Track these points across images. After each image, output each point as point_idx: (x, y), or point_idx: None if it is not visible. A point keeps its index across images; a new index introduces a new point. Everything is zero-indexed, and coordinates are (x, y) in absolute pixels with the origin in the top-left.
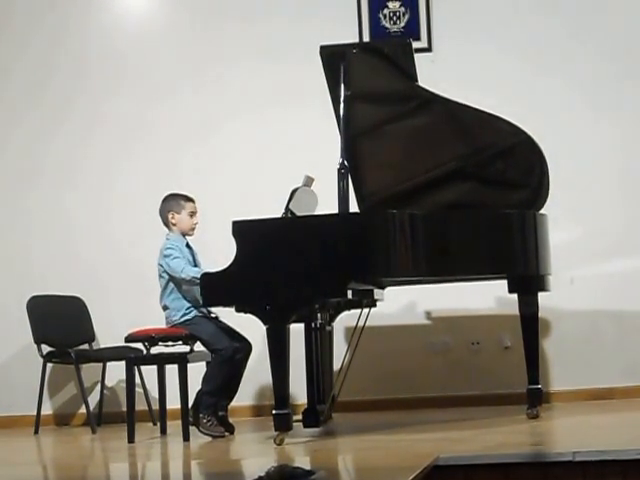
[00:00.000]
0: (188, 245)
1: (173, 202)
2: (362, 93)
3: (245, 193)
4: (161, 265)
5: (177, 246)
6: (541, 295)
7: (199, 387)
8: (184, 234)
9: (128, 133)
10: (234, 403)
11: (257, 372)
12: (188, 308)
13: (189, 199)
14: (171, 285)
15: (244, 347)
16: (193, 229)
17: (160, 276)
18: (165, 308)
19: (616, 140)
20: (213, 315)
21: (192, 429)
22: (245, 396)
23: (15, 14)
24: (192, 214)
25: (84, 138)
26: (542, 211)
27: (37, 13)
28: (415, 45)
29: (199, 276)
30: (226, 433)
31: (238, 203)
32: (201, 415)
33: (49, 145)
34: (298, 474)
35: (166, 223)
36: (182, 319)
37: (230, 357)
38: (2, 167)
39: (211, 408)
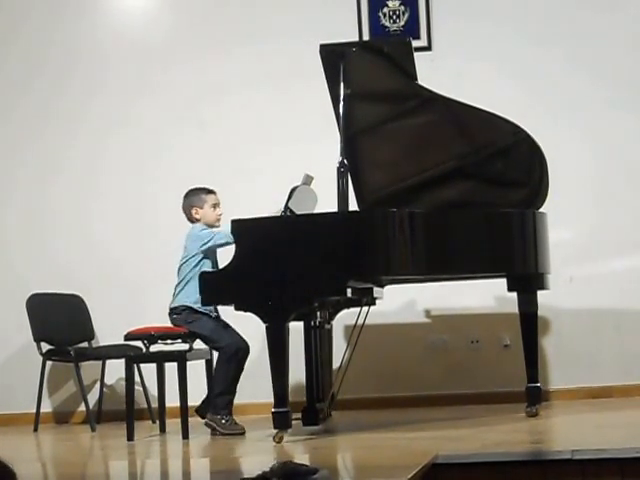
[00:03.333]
0: None
1: (194, 197)
2: (362, 92)
3: (244, 191)
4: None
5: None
6: (540, 294)
7: (199, 385)
8: (210, 226)
9: (138, 137)
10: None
11: (256, 370)
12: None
13: (210, 191)
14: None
15: (244, 347)
16: (218, 220)
17: (184, 261)
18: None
19: (616, 139)
20: (214, 314)
21: (192, 427)
22: (244, 394)
23: (1, 10)
24: (215, 206)
25: (95, 140)
26: (541, 210)
27: (25, 9)
28: (415, 44)
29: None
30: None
31: (237, 202)
32: (218, 417)
33: (59, 147)
34: (301, 471)
35: (190, 219)
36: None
37: (235, 352)
38: (15, 168)
39: (227, 408)
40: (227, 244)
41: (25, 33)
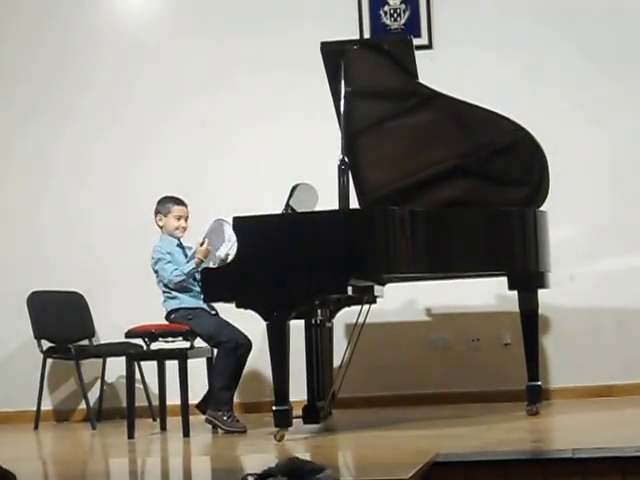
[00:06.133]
0: (180, 245)
1: (161, 205)
2: (362, 90)
3: (246, 189)
4: (155, 271)
5: (165, 252)
6: (541, 292)
7: (199, 383)
8: (172, 236)
9: (133, 132)
10: (234, 399)
11: (257, 368)
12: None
13: (178, 202)
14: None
15: (245, 343)
16: (177, 230)
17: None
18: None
19: (615, 138)
20: (213, 312)
21: (192, 425)
22: (245, 392)
23: (21, 13)
24: (179, 217)
25: (89, 136)
26: (542, 208)
27: (45, 12)
28: (415, 42)
29: (186, 271)
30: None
31: (239, 199)
32: (220, 412)
33: (55, 143)
34: (306, 470)
35: (156, 224)
36: (182, 306)
37: (235, 348)
38: (9, 164)
39: (229, 403)
40: (186, 279)
41: (44, 39)
